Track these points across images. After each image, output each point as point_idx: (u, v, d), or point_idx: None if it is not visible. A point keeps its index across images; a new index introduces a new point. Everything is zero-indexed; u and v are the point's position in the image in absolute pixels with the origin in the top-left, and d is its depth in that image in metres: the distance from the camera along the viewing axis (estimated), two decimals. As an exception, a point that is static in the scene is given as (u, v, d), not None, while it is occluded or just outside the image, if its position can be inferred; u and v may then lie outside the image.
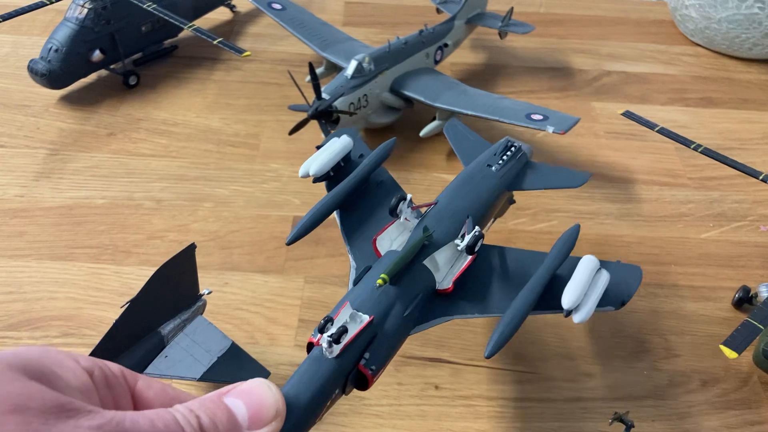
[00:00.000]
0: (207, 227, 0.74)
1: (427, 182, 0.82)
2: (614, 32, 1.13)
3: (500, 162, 0.61)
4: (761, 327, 0.51)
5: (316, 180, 0.57)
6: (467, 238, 0.50)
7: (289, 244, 0.51)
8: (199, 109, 0.91)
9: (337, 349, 0.39)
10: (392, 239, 0.52)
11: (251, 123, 0.89)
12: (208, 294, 0.57)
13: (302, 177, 0.57)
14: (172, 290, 0.52)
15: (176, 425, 0.26)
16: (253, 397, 0.29)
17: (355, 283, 0.48)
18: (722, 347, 0.49)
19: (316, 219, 0.52)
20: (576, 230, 0.51)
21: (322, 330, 0.40)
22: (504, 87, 0.99)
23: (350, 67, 0.81)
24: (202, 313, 0.56)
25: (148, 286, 0.49)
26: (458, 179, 0.59)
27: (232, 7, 1.11)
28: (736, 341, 0.49)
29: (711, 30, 1.04)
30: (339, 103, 0.78)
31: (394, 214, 0.52)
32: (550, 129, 0.76)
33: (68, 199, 0.77)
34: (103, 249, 0.71)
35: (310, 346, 0.41)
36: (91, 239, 0.72)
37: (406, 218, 0.53)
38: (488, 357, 0.43)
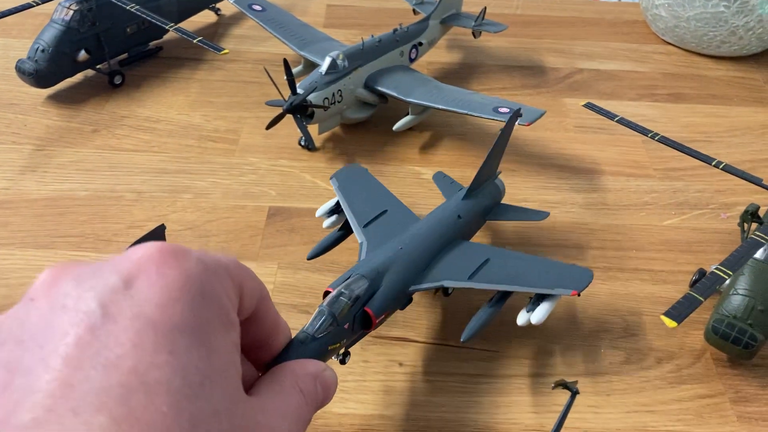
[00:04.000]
0: (185, 217, 0.77)
1: (401, 174, 0.85)
2: (588, 32, 1.16)
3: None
4: (701, 299, 0.53)
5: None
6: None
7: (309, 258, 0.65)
8: (182, 106, 0.94)
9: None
10: None
11: (231, 119, 0.93)
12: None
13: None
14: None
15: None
16: (326, 380, 0.35)
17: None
18: (663, 317, 0.52)
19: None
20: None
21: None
22: (478, 84, 1.02)
23: (324, 64, 0.84)
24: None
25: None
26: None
27: (216, 11, 1.14)
28: (677, 312, 0.52)
29: (680, 28, 1.08)
30: (313, 98, 0.81)
31: None
32: (517, 121, 0.79)
33: (52, 191, 0.80)
34: (85, 238, 0.74)
35: (326, 295, 0.54)
36: (73, 229, 0.75)
37: None
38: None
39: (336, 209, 0.69)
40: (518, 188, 0.83)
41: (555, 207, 0.81)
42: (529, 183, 0.84)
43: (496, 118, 0.81)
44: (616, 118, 0.75)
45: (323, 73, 0.83)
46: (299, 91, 0.81)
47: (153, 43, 1.03)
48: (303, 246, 0.74)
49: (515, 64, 1.07)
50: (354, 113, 0.89)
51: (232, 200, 0.80)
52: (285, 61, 0.80)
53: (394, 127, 0.87)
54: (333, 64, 0.84)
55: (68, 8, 0.91)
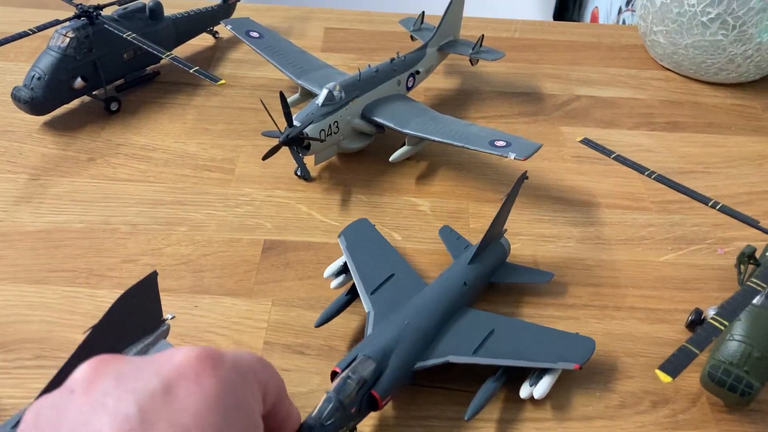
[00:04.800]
0: (180, 251, 0.77)
1: (397, 205, 0.85)
2: (586, 57, 1.16)
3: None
4: (697, 351, 0.53)
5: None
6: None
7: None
8: (178, 134, 0.94)
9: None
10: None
11: (228, 148, 0.92)
12: (171, 319, 0.60)
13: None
14: (135, 316, 0.55)
15: None
16: None
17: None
18: (657, 372, 0.52)
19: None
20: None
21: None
22: (475, 112, 1.01)
23: (321, 96, 0.83)
24: (165, 338, 0.59)
25: (110, 313, 0.51)
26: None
27: (214, 34, 1.14)
28: (672, 365, 0.52)
29: (678, 55, 1.07)
30: (310, 130, 0.81)
31: None
32: (512, 155, 0.79)
33: (47, 223, 0.79)
34: (78, 273, 0.74)
35: (334, 375, 0.56)
36: (67, 263, 0.74)
37: None
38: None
39: (344, 269, 0.69)
40: (513, 221, 0.83)
41: (550, 241, 0.81)
42: (524, 215, 0.84)
43: (492, 152, 0.80)
44: (613, 155, 0.75)
45: (320, 104, 0.83)
46: (295, 123, 0.81)
47: (150, 68, 1.03)
48: (298, 281, 0.74)
49: (513, 90, 1.07)
50: (351, 143, 0.89)
51: (228, 233, 0.80)
52: (281, 94, 0.80)
53: (391, 159, 0.87)
54: (330, 96, 0.84)
55: (65, 36, 0.91)
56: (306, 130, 0.80)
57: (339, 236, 0.73)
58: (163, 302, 0.72)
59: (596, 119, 1.01)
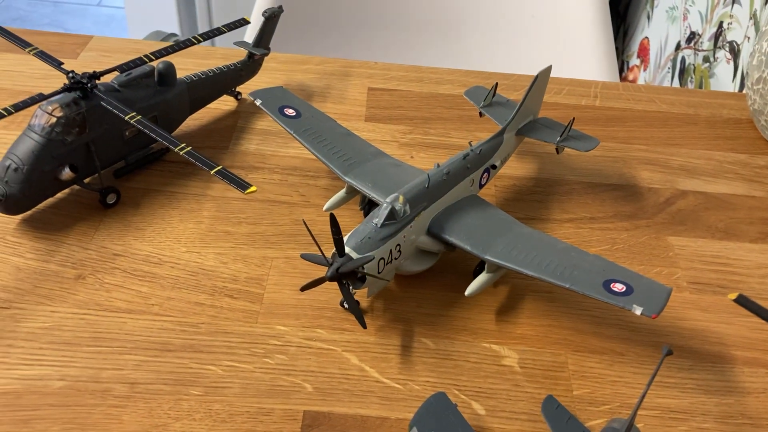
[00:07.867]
0: (192, 429, 0.57)
1: (475, 357, 0.65)
2: (684, 135, 0.96)
3: None
4: None
5: None
6: None
7: None
8: (192, 239, 0.74)
9: None
10: None
11: (254, 261, 0.73)
12: None
13: None
14: None
15: None
16: None
17: None
18: None
19: None
20: None
21: None
22: (560, 212, 0.82)
23: (381, 214, 0.64)
24: None
25: None
26: None
27: (237, 96, 0.94)
28: None
29: (805, 143, 0.88)
30: (368, 268, 0.61)
31: None
32: (638, 310, 0.59)
33: (17, 380, 0.60)
34: (55, 465, 0.54)
35: None
36: (40, 449, 0.55)
37: None
38: None
39: None
40: (632, 387, 0.63)
41: (682, 420, 0.61)
42: (641, 376, 0.64)
43: (609, 302, 0.61)
44: (784, 326, 0.55)
45: (379, 225, 0.64)
46: (349, 251, 0.61)
47: (157, 144, 0.83)
48: (351, 485, 0.55)
49: (603, 181, 0.87)
50: (413, 265, 0.70)
51: (255, 399, 0.60)
52: (332, 217, 0.60)
53: (467, 293, 0.67)
54: (392, 214, 0.64)
55: (50, 114, 0.71)
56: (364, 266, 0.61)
57: (410, 428, 0.54)
58: None
59: (709, 226, 0.82)
